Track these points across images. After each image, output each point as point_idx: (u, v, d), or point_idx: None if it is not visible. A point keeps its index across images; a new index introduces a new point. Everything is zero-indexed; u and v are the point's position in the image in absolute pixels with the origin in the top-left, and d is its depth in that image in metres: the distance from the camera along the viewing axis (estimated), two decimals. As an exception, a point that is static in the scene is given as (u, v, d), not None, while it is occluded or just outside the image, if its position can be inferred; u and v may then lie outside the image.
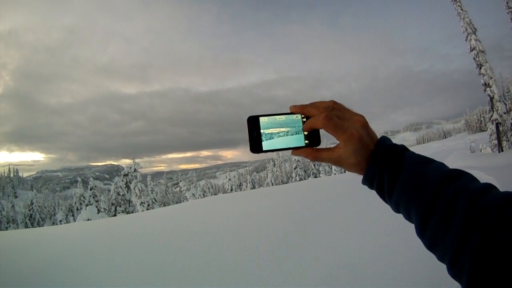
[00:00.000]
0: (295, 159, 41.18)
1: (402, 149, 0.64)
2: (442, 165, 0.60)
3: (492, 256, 0.46)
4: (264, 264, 4.98)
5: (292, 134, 0.70)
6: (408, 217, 0.60)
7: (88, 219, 23.71)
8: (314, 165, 41.57)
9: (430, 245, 0.56)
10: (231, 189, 38.87)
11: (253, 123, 0.71)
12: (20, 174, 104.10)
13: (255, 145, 0.69)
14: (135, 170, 28.02)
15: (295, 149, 0.70)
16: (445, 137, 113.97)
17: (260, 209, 9.74)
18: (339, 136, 0.63)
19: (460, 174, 0.57)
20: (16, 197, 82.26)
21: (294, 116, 0.71)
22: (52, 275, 5.56)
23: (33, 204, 52.77)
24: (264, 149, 0.69)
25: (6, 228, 48.88)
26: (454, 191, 0.53)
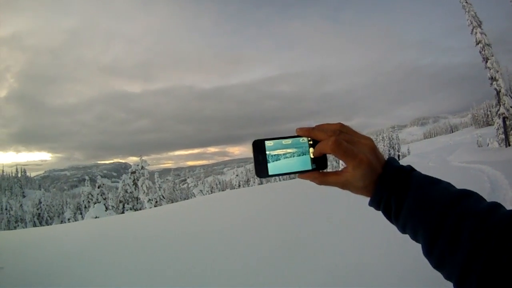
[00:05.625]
0: None
1: (409, 170, 0.64)
2: (449, 186, 0.61)
3: (499, 276, 0.47)
4: (267, 262, 4.98)
5: (299, 155, 0.70)
6: (415, 238, 0.60)
7: (96, 217, 23.91)
8: None
9: (437, 265, 0.56)
10: (239, 185, 38.94)
11: (258, 147, 0.70)
12: (27, 174, 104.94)
13: (261, 169, 0.69)
14: (142, 168, 28.23)
15: (301, 173, 0.70)
16: (452, 132, 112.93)
17: (266, 205, 9.80)
18: (349, 162, 0.62)
19: (467, 195, 0.57)
20: (24, 196, 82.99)
21: (301, 139, 0.71)
22: (60, 272, 5.65)
23: (41, 203, 53.23)
24: (270, 173, 0.69)
25: (15, 227, 49.38)
26: (461, 212, 0.54)
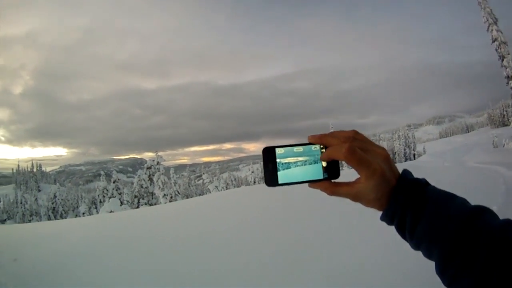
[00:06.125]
0: None
1: (424, 183, 0.61)
2: (464, 202, 0.58)
3: None
4: (275, 260, 4.93)
5: (310, 163, 0.66)
6: (429, 255, 0.58)
7: (111, 211, 24.09)
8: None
9: (450, 283, 0.54)
10: (254, 182, 38.89)
11: (269, 154, 0.67)
12: (43, 168, 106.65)
13: (271, 178, 0.66)
14: (158, 163, 28.35)
15: (312, 182, 0.66)
16: (468, 131, 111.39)
17: (279, 202, 9.60)
18: (362, 171, 0.59)
19: (482, 212, 0.56)
20: (39, 190, 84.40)
21: (313, 146, 0.67)
22: (73, 265, 5.64)
23: (56, 197, 54.02)
24: (279, 182, 0.66)
25: (29, 221, 50.21)
26: (477, 230, 0.53)
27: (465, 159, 31.01)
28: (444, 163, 29.41)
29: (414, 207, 0.58)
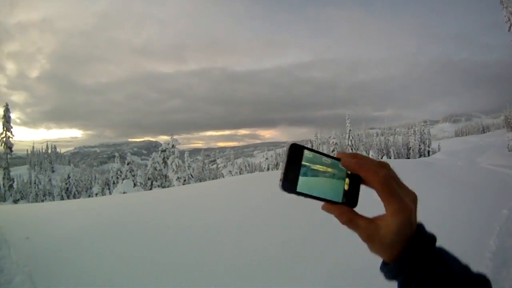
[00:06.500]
0: (332, 142, 40.67)
1: (435, 240, 0.56)
2: (467, 269, 0.55)
3: None
4: (285, 248, 4.97)
5: (333, 178, 0.58)
6: None
7: (124, 192, 24.26)
8: (351, 149, 40.69)
9: None
10: (268, 169, 38.72)
11: (295, 153, 0.57)
12: (57, 150, 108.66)
13: (289, 182, 0.56)
14: (173, 146, 28.44)
15: (329, 203, 0.58)
16: (484, 132, 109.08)
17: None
18: (391, 203, 0.54)
19: (484, 282, 0.54)
20: (53, 171, 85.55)
21: (340, 163, 0.59)
22: (83, 243, 5.69)
23: (69, 178, 54.66)
24: (298, 190, 0.56)
25: (42, 201, 50.91)
26: None
27: (479, 160, 30.56)
28: (458, 162, 29.04)
29: (428, 266, 0.53)
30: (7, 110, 33.33)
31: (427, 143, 57.63)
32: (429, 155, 50.89)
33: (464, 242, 4.86)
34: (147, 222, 7.05)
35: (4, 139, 32.64)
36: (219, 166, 34.08)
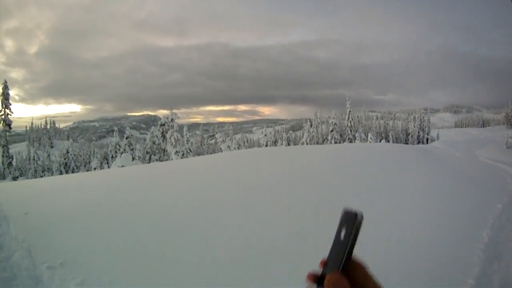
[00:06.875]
0: (332, 122, 40.62)
1: None
2: None
3: None
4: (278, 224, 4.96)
5: None
6: None
7: (122, 166, 24.23)
8: (350, 130, 41.09)
9: None
10: (266, 145, 38.80)
11: (352, 222, 0.52)
12: (57, 125, 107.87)
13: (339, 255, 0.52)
14: (172, 120, 28.24)
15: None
16: (484, 126, 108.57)
17: (286, 167, 9.35)
18: None
19: None
20: (52, 147, 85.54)
21: None
22: (82, 217, 5.64)
23: (68, 152, 54.53)
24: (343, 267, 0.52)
25: (41, 176, 50.96)
26: None
27: (477, 153, 30.34)
28: (456, 153, 28.93)
29: None
30: (5, 88, 32.76)
31: (426, 131, 57.74)
32: (427, 143, 50.79)
33: (457, 232, 4.91)
34: (145, 194, 7.06)
35: (3, 116, 32.27)
36: (217, 141, 33.98)
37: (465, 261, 4.01)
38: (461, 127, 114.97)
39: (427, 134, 57.15)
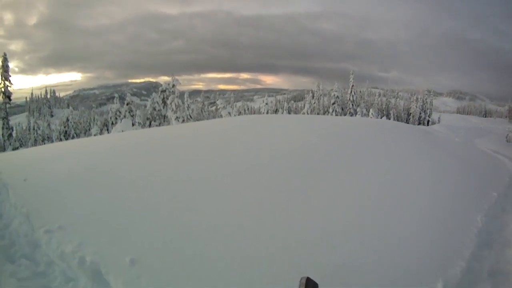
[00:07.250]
0: (334, 95, 40.48)
1: None
2: None
3: None
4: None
5: None
6: None
7: (122, 131, 24.14)
8: (352, 105, 41.09)
9: None
10: (267, 113, 38.63)
11: None
12: (57, 94, 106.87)
13: None
14: (173, 86, 27.91)
15: None
16: (485, 116, 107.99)
17: (285, 134, 9.04)
18: None
19: None
20: (52, 116, 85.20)
21: None
22: (81, 182, 5.56)
23: (68, 121, 54.31)
24: None
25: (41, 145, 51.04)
26: None
27: (477, 141, 29.99)
28: (455, 138, 28.57)
29: None
30: (5, 60, 32.02)
31: (428, 113, 57.37)
32: (428, 125, 50.66)
33: (452, 214, 4.89)
34: (144, 155, 7.02)
35: (3, 89, 31.80)
36: (218, 107, 33.71)
37: (457, 246, 4.00)
38: (463, 114, 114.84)
39: (428, 116, 56.95)
